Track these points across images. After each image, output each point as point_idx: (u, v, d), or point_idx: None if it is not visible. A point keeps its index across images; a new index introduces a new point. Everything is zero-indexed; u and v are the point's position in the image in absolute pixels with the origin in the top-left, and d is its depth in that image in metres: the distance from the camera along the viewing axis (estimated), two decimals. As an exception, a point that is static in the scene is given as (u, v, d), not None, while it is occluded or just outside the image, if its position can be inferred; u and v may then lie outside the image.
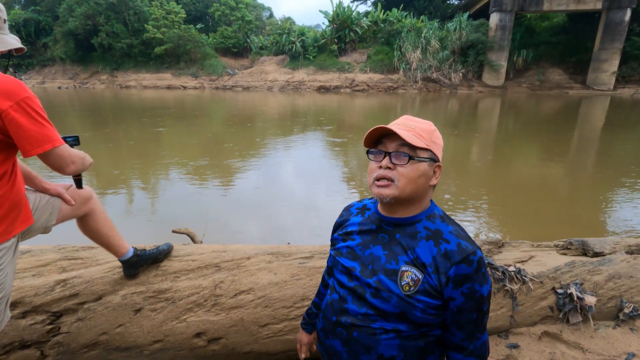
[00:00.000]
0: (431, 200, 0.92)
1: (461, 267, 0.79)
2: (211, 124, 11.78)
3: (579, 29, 23.46)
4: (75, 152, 1.19)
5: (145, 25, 26.75)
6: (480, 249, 0.84)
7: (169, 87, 26.02)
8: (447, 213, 0.98)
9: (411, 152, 0.83)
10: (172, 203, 4.65)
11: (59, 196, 1.33)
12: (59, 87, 26.41)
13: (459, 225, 0.89)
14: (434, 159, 0.86)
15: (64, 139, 1.20)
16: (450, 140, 9.05)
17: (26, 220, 1.20)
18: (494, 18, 22.23)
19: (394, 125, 0.86)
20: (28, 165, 1.34)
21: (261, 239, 3.76)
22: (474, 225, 4.05)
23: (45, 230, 1.33)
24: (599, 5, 20.95)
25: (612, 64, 21.49)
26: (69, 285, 1.53)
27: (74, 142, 1.32)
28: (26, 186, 1.29)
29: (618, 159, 7.40)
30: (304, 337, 1.16)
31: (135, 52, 27.73)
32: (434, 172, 0.87)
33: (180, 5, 29.46)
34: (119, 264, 1.62)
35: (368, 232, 0.92)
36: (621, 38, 20.98)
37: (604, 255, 1.97)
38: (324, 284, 1.13)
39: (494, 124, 12.34)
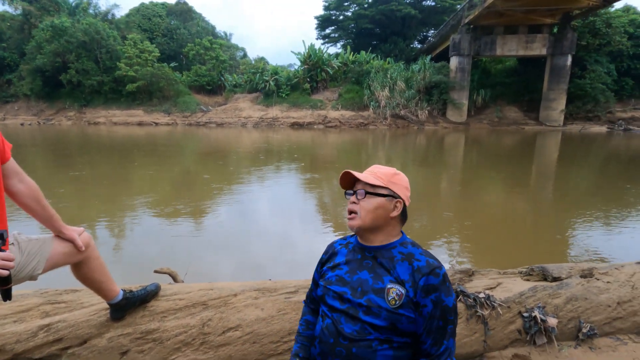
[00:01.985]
0: (402, 232, 1.12)
1: (430, 278, 0.97)
2: (184, 160, 11.72)
3: (529, 71, 25.88)
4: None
5: (118, 64, 26.81)
6: (443, 267, 1.02)
7: (140, 124, 25.75)
8: (420, 242, 1.16)
9: (370, 189, 1.06)
10: (147, 243, 4.55)
11: (72, 241, 1.35)
12: (22, 124, 25.46)
13: (425, 250, 1.08)
14: (393, 196, 1.07)
15: None
16: (420, 173, 9.49)
17: None
18: (454, 61, 24.16)
19: (364, 172, 1.11)
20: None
21: (240, 276, 3.74)
22: (446, 255, 4.23)
23: (32, 278, 1.32)
24: (544, 52, 23.37)
25: (560, 103, 23.67)
26: (52, 330, 1.51)
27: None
28: (20, 232, 1.31)
29: (573, 189, 8.04)
30: None
31: (106, 89, 27.51)
32: (395, 206, 1.07)
33: (155, 45, 29.92)
34: (105, 305, 1.62)
35: (354, 260, 1.09)
36: (565, 80, 23.31)
37: (562, 279, 2.17)
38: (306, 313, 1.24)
39: (460, 157, 13.09)
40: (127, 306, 1.58)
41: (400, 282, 1.00)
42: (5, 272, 1.06)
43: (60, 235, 1.35)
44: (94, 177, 8.38)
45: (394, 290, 0.99)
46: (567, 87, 23.37)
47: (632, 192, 7.43)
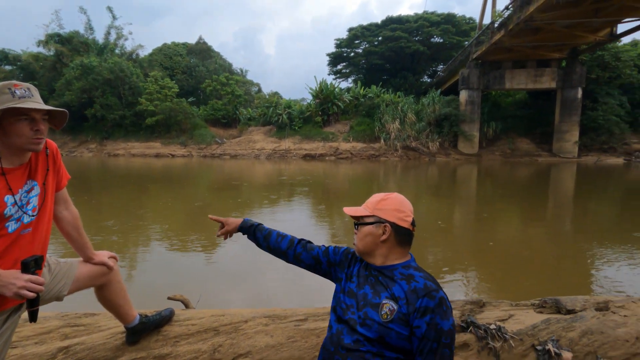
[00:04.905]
0: (411, 255, 1.18)
1: (425, 300, 1.02)
2: (198, 190, 11.98)
3: (540, 104, 26.07)
4: None
5: (139, 99, 28.23)
6: (443, 290, 1.06)
7: (157, 156, 26.60)
8: (433, 272, 1.22)
9: (359, 220, 1.19)
10: (161, 271, 4.61)
11: (102, 264, 1.45)
12: (46, 156, 26.58)
13: (429, 274, 1.12)
14: (380, 221, 1.15)
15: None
16: (432, 204, 9.44)
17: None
18: (463, 94, 24.58)
19: (359, 207, 1.24)
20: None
21: (251, 305, 3.73)
22: (458, 285, 4.15)
23: (58, 298, 1.41)
24: (553, 85, 23.62)
25: (573, 135, 23.56)
26: (71, 352, 1.57)
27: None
28: (50, 255, 1.41)
29: (590, 222, 7.84)
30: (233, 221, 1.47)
31: (127, 122, 28.82)
32: (383, 231, 1.14)
33: (174, 81, 31.51)
34: (121, 329, 1.67)
35: (362, 276, 1.19)
36: (577, 112, 23.35)
37: (576, 312, 2.13)
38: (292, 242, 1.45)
39: (473, 188, 12.99)
40: (142, 330, 1.63)
41: (395, 299, 1.06)
42: (32, 295, 1.11)
43: (90, 262, 1.45)
44: (109, 205, 8.63)
45: (388, 306, 1.06)
46: (580, 119, 23.36)
47: (653, 225, 7.20)
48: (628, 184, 14.23)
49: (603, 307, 2.19)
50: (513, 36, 19.91)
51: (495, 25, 21.67)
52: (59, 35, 32.61)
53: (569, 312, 2.15)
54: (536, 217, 8.24)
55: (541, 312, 2.19)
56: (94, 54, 31.94)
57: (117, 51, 35.33)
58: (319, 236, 6.37)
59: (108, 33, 35.60)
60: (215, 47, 73.39)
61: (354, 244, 1.23)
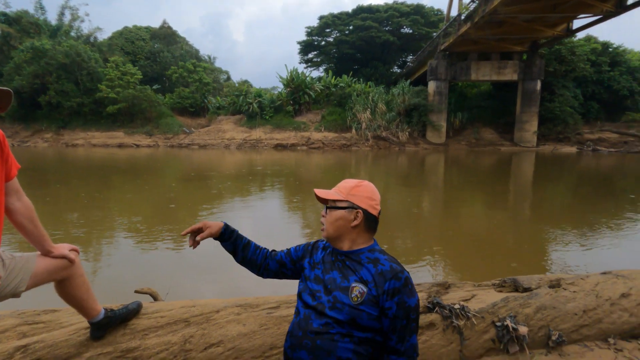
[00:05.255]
0: (374, 240, 1.22)
1: (392, 282, 1.07)
2: (165, 181, 11.59)
3: (503, 95, 27.19)
4: None
5: (99, 85, 26.63)
6: (406, 270, 1.12)
7: (120, 146, 25.38)
8: (400, 257, 1.26)
9: (331, 203, 1.20)
10: (127, 265, 4.45)
11: (63, 257, 1.37)
12: (-5, 146, 24.64)
13: (392, 256, 1.17)
14: (353, 207, 1.17)
15: None
16: (401, 192, 9.69)
17: None
18: (432, 85, 25.16)
19: (332, 189, 1.24)
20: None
21: (222, 296, 3.70)
22: (424, 269, 4.32)
23: (15, 295, 1.33)
24: (515, 77, 24.69)
25: (532, 125, 24.84)
26: (30, 350, 1.49)
27: None
28: (4, 249, 1.32)
29: (548, 206, 8.36)
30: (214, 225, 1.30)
31: (86, 110, 27.15)
32: (355, 216, 1.17)
33: (137, 67, 29.96)
34: (85, 325, 1.61)
35: (328, 262, 1.21)
36: (536, 103, 24.60)
37: (532, 290, 2.28)
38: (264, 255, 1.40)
39: (441, 176, 13.44)
40: (108, 325, 1.58)
41: (364, 282, 1.10)
42: None
43: (49, 255, 1.37)
44: (70, 199, 8.17)
45: (357, 289, 1.09)
46: (538, 110, 24.63)
47: (600, 210, 7.80)
48: (580, 172, 15.28)
49: (555, 285, 2.36)
50: (479, 28, 20.51)
51: (462, 17, 22.22)
52: (4, 14, 30.00)
53: (526, 290, 2.30)
54: (498, 203, 8.68)
55: (501, 291, 2.33)
56: (46, 36, 29.66)
57: (72, 34, 33.02)
58: (292, 229, 6.39)
59: (62, 14, 33.21)
60: (181, 32, 70.02)
61: (322, 229, 1.22)
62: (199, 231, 1.28)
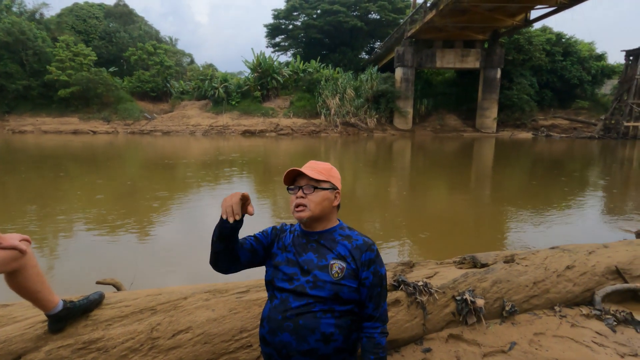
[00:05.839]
0: (339, 219, 1.27)
1: (367, 254, 1.17)
2: (126, 170, 11.07)
3: (465, 82, 28.12)
4: None
5: (48, 67, 24.64)
6: (375, 244, 1.20)
7: (75, 132, 23.84)
8: (370, 236, 1.31)
9: (315, 184, 1.19)
10: (87, 256, 4.25)
11: (13, 248, 1.27)
12: None
13: (359, 232, 1.25)
14: (333, 188, 1.22)
15: None
16: (370, 176, 9.87)
17: None
18: (399, 72, 25.51)
19: (303, 168, 1.22)
20: None
21: (189, 283, 3.65)
22: (390, 249, 4.48)
23: None
24: (477, 65, 25.56)
25: (493, 112, 25.97)
26: (-20, 347, 1.41)
27: None
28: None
29: (504, 189, 8.86)
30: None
31: (34, 94, 25.14)
32: (335, 196, 1.23)
33: (91, 48, 27.96)
34: (42, 318, 1.53)
35: (299, 245, 1.22)
36: (496, 91, 25.69)
37: (489, 265, 2.44)
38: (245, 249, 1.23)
39: (407, 161, 13.81)
40: (67, 317, 1.51)
41: (342, 258, 1.16)
42: None
43: None
44: (20, 189, 7.62)
45: (337, 265, 1.15)
46: (498, 97, 25.75)
47: (552, 191, 8.38)
48: (535, 156, 16.25)
49: (510, 260, 2.53)
50: (443, 16, 20.91)
51: (428, 4, 22.52)
52: None
53: (483, 266, 2.45)
54: (461, 186, 9.08)
55: (461, 268, 2.47)
56: (-17, 12, 26.87)
57: (14, 9, 30.10)
58: (262, 213, 6.35)
59: (1, -14, 30.04)
60: (138, 11, 65.91)
61: (297, 210, 1.16)
62: (245, 201, 1.14)
